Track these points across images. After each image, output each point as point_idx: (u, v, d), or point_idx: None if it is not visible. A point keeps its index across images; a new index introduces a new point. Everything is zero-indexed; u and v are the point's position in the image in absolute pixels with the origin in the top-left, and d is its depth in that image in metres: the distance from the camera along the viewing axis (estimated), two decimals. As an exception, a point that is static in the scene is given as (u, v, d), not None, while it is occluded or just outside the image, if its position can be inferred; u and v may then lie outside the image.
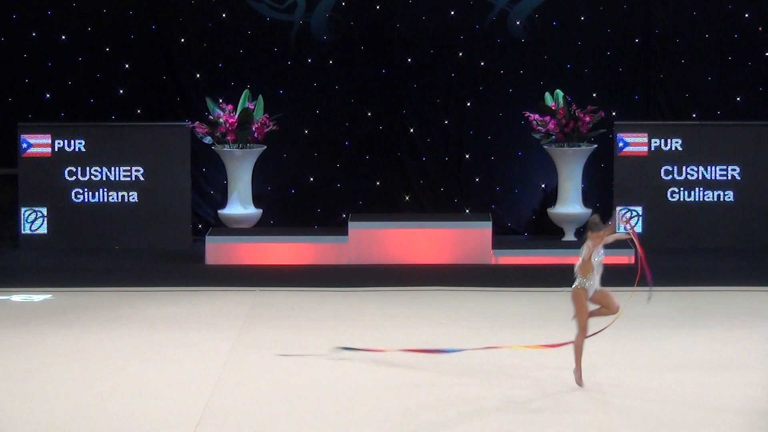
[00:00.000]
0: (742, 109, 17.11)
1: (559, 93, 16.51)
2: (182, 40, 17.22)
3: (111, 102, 17.23)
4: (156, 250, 16.13)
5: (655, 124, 16.53)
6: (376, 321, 13.33)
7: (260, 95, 16.61)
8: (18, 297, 14.53)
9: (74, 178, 16.35)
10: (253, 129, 16.39)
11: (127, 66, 17.23)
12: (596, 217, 10.58)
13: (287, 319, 13.46)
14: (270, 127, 16.49)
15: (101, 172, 16.37)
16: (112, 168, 16.36)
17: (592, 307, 10.64)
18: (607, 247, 10.60)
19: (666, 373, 11.16)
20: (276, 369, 11.34)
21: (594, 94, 17.01)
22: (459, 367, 11.29)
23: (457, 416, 9.99)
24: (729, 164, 16.26)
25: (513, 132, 17.16)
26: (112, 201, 16.38)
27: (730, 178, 16.28)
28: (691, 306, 13.98)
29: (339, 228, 16.09)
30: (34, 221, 16.30)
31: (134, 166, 16.37)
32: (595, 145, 16.51)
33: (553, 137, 16.50)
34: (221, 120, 16.35)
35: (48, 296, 14.55)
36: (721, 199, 16.29)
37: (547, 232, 16.98)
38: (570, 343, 10.73)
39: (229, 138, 16.36)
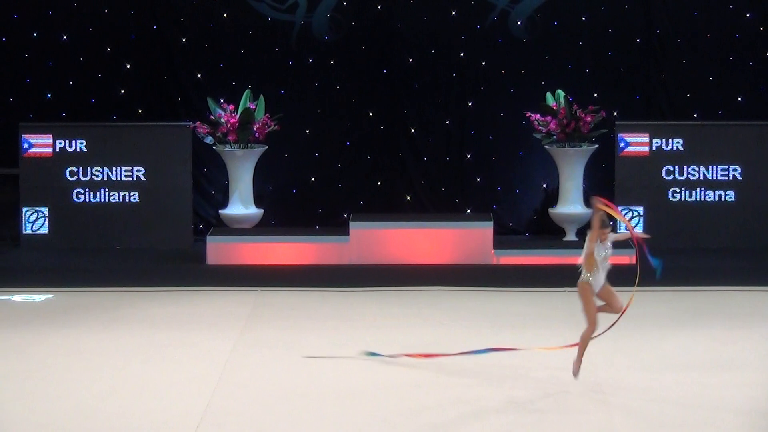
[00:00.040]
0: (744, 109, 17.09)
1: (561, 93, 16.50)
2: (183, 40, 17.22)
3: (112, 102, 17.22)
4: (157, 250, 16.12)
5: (656, 124, 16.51)
6: (378, 321, 13.32)
7: (261, 95, 16.60)
8: (19, 297, 14.52)
9: (75, 178, 16.35)
10: (255, 129, 16.39)
11: (128, 66, 17.23)
12: (603, 214, 10.52)
13: (288, 319, 13.45)
14: (271, 127, 16.49)
15: (102, 172, 16.37)
16: (114, 168, 16.36)
17: (599, 302, 10.63)
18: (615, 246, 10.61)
19: (666, 373, 11.15)
20: (277, 369, 11.35)
21: (595, 94, 17.00)
22: (459, 367, 11.28)
23: (458, 417, 9.99)
24: (730, 164, 16.25)
25: (514, 132, 17.15)
26: (114, 201, 16.37)
27: (731, 178, 16.27)
28: (692, 306, 13.97)
29: (340, 228, 16.06)
30: (35, 221, 16.30)
31: (135, 166, 16.36)
32: (597, 145, 16.50)
33: (555, 137, 16.49)
34: (222, 120, 16.35)
35: (49, 296, 14.55)
36: (723, 199, 16.28)
37: (549, 232, 16.96)
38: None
39: (230, 138, 16.36)
